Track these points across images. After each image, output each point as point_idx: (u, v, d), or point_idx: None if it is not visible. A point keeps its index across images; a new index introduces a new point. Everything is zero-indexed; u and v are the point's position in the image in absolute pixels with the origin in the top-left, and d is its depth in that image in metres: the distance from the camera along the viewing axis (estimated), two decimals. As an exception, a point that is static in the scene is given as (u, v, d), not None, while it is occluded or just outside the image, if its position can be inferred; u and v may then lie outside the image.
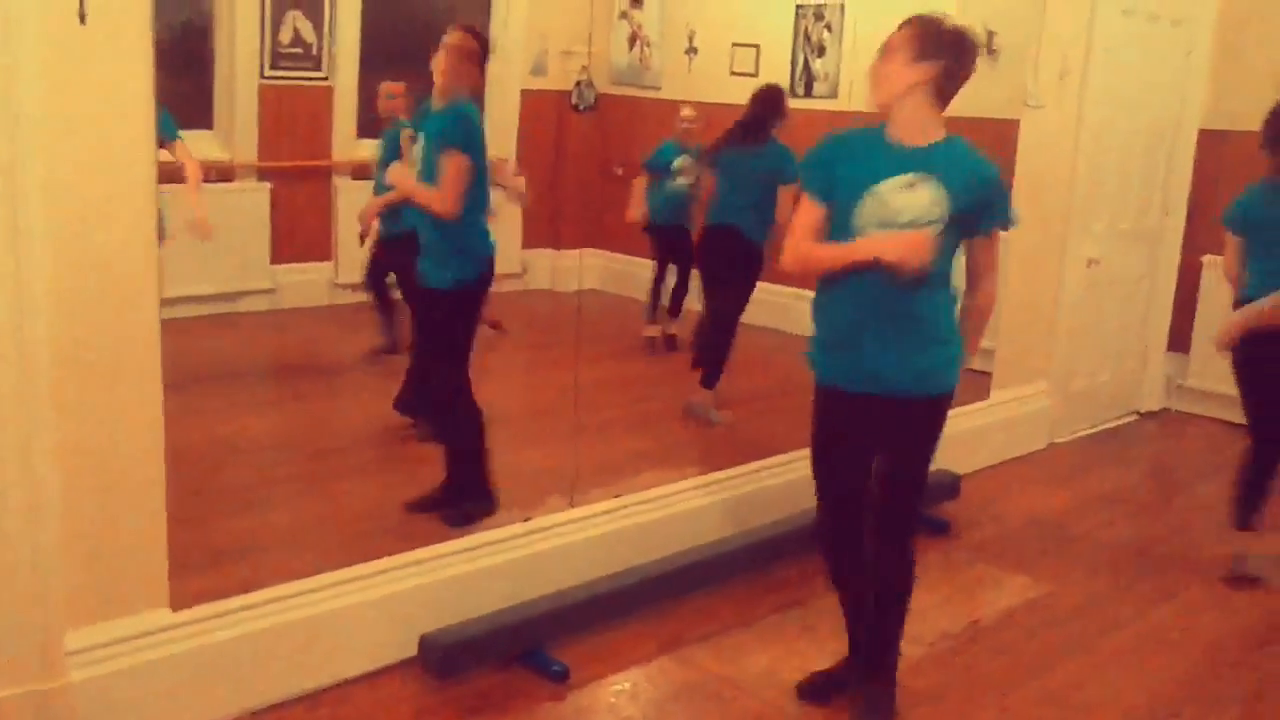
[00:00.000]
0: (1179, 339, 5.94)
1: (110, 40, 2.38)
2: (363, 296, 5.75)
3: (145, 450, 2.62)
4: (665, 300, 6.39)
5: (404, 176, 3.83)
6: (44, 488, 2.44)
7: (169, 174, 4.52)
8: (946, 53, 2.64)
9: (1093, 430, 5.69)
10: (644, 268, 6.44)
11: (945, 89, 2.68)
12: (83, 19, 2.32)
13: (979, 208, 2.68)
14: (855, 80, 6.83)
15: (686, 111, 6.29)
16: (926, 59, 2.63)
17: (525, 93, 7.79)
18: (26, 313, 2.35)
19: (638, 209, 6.31)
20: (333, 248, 6.67)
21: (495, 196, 4.28)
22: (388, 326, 5.57)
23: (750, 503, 3.99)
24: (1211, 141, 5.77)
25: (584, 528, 3.56)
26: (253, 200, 6.32)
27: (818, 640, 3.37)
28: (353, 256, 6.15)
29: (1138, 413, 5.99)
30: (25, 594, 2.45)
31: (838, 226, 2.69)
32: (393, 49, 6.97)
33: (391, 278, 5.33)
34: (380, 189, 5.34)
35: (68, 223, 2.40)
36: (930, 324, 2.71)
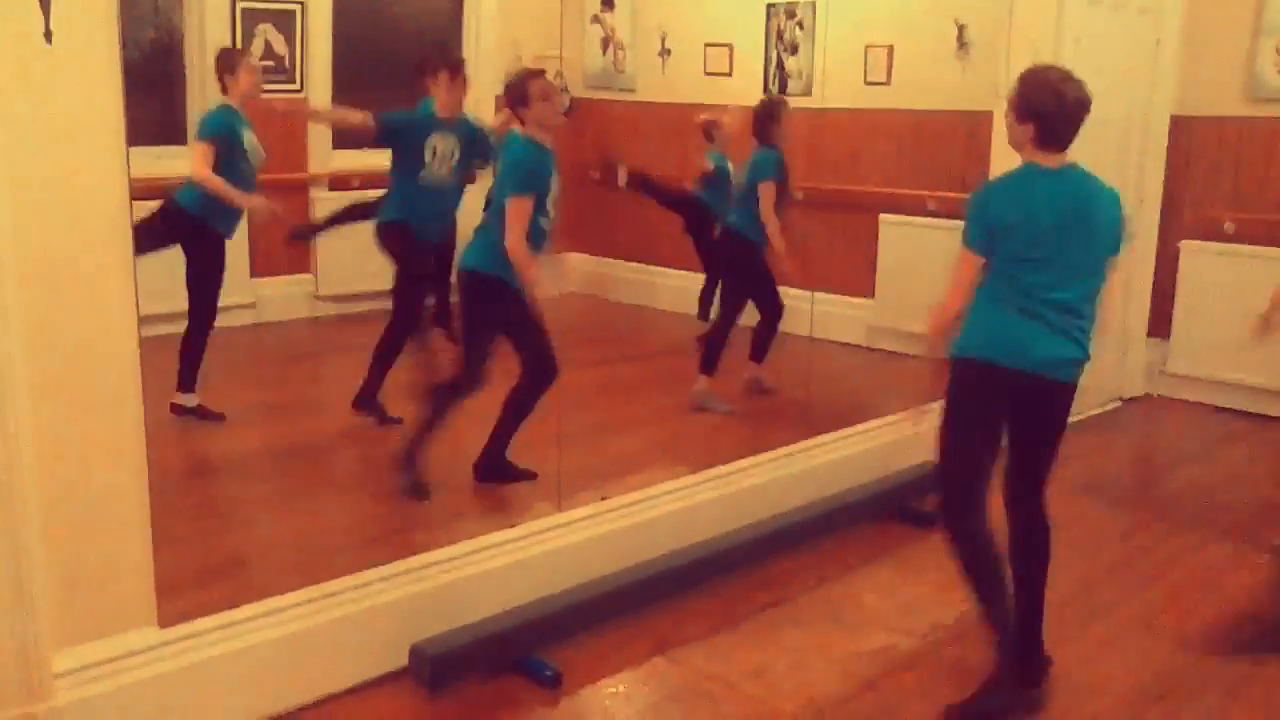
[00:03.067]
0: (1159, 325, 5.98)
1: (77, 58, 2.36)
2: (343, 308, 5.76)
3: (128, 468, 2.60)
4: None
5: None
6: (25, 508, 2.42)
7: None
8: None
9: (1077, 418, 5.66)
10: (627, 270, 6.44)
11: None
12: (48, 37, 2.31)
13: None
14: (829, 77, 6.87)
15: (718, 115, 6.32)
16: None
17: (500, 99, 7.78)
18: (2, 331, 2.32)
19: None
20: (313, 260, 6.65)
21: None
22: None
23: (737, 501, 3.99)
24: (1182, 127, 5.82)
25: (572, 531, 3.56)
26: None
27: (807, 636, 3.38)
28: (332, 268, 6.14)
29: (1121, 399, 6.02)
30: (9, 616, 2.43)
31: None
32: (365, 59, 6.96)
33: None
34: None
35: (39, 243, 2.38)
36: None
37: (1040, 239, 2.85)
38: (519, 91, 4.09)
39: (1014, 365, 2.87)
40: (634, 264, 7.64)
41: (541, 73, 4.26)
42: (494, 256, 4.02)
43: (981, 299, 2.93)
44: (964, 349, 2.93)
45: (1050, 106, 2.98)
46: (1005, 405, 2.94)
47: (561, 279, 4.80)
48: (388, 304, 4.83)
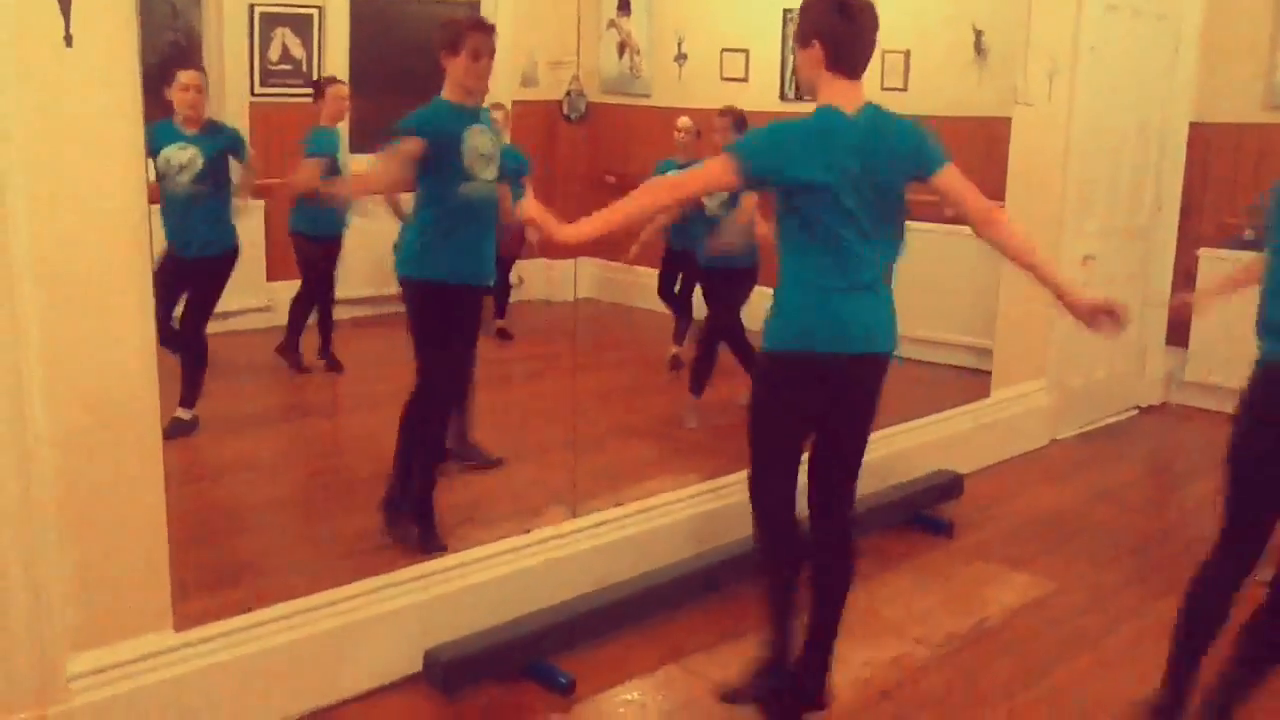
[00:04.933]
0: (1177, 333, 5.94)
1: (97, 63, 2.37)
2: (357, 311, 5.77)
3: (144, 472, 2.61)
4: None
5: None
6: (43, 511, 2.43)
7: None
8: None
9: (1093, 426, 5.69)
10: (640, 275, 6.43)
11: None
12: (69, 42, 2.32)
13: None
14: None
15: (683, 121, 5.84)
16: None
17: (516, 104, 7.79)
18: (18, 335, 2.34)
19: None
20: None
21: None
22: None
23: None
24: (1200, 135, 5.79)
25: (586, 538, 3.55)
26: (247, 218, 6.31)
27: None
28: (348, 272, 6.15)
29: (1138, 408, 5.98)
30: (26, 619, 2.44)
31: None
32: (382, 62, 6.98)
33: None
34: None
35: (56, 248, 2.39)
36: None
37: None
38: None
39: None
40: (647, 269, 7.63)
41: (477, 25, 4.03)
42: None
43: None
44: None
45: (835, 20, 2.77)
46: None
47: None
48: (401, 306, 4.82)
